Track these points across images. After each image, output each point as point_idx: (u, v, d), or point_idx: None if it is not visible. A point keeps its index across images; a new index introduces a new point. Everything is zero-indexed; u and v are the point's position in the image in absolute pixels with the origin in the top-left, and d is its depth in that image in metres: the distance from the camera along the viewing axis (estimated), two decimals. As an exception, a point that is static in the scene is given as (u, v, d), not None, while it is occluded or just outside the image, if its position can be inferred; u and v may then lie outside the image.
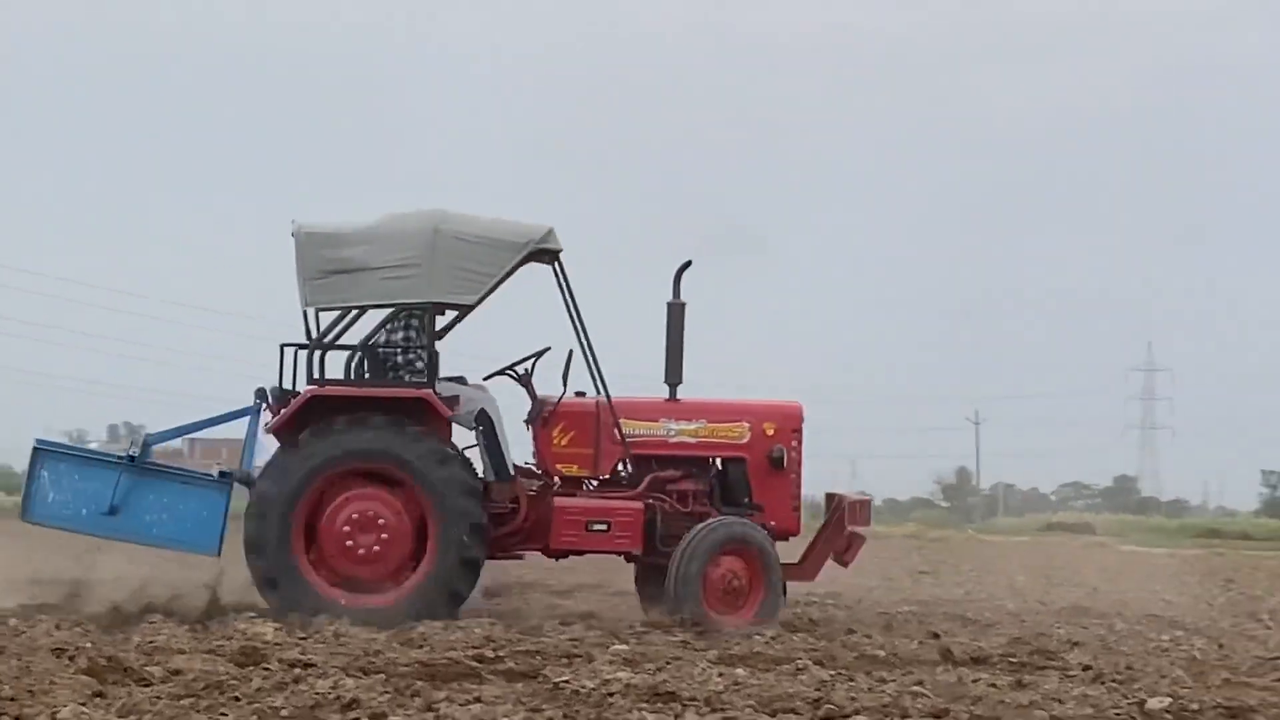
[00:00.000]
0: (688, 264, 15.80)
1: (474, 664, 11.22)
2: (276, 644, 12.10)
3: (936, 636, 14.45)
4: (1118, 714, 9.98)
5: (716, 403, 16.33)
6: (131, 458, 15.07)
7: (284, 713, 9.23)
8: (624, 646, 12.59)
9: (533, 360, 15.73)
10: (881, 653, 13.00)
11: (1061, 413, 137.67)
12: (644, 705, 9.70)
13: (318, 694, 9.67)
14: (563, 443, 15.70)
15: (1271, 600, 21.87)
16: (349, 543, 14.78)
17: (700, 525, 15.13)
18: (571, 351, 15.47)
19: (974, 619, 16.95)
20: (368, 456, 14.89)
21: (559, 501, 15.40)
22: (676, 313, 15.74)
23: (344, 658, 11.38)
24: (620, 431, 15.62)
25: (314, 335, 15.33)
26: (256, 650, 11.58)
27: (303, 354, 15.28)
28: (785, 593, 15.64)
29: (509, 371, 15.88)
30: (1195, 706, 10.23)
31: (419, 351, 15.40)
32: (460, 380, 15.90)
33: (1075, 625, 16.47)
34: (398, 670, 10.82)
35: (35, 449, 15.10)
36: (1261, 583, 26.87)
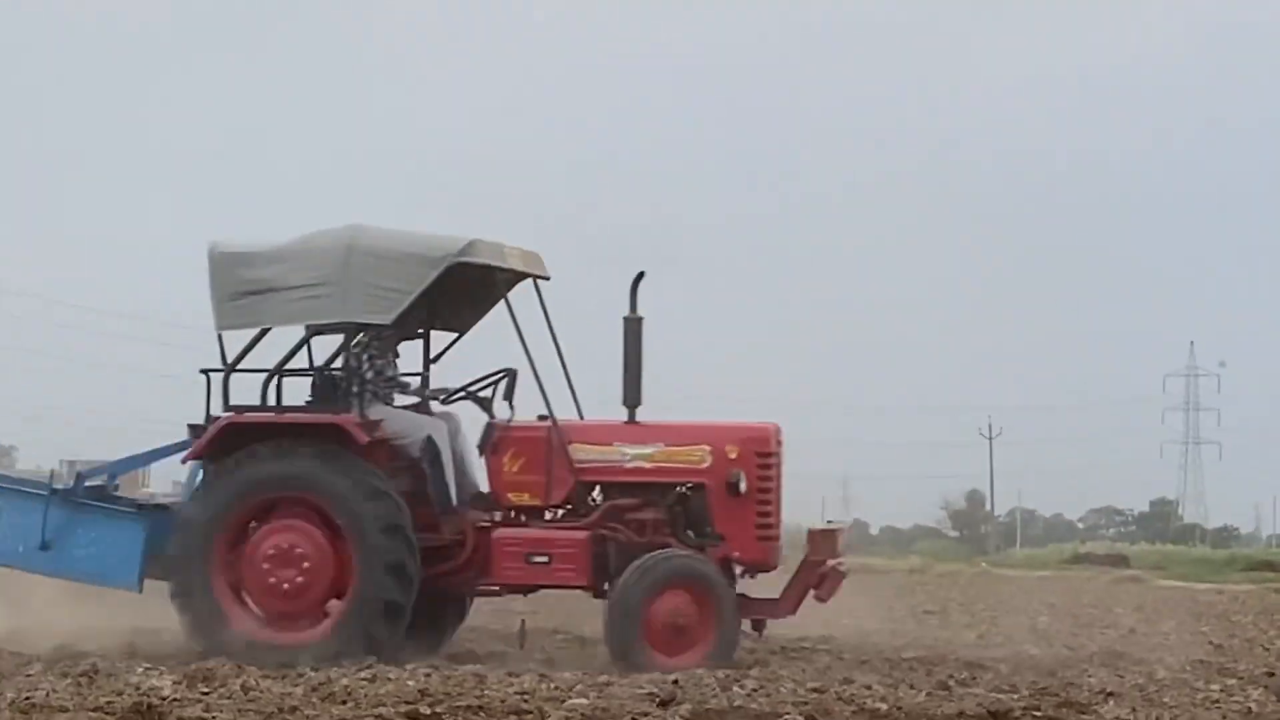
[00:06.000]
0: (641, 275, 16.15)
1: (407, 721, 10.73)
2: (175, 700, 11.50)
3: (947, 688, 14.13)
4: (1161, 776, 9.40)
5: (676, 425, 16.66)
6: (60, 489, 15.89)
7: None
8: (583, 701, 12.11)
9: (495, 383, 16.25)
10: (884, 705, 12.67)
11: (1090, 425, 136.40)
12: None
13: (221, 760, 9.14)
14: (513, 469, 16.08)
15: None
16: (269, 574, 15.31)
17: (643, 558, 15.49)
18: (516, 372, 16.05)
19: (991, 666, 16.60)
20: (287, 486, 15.42)
21: (498, 533, 15.79)
22: (633, 328, 16.06)
23: (255, 716, 10.86)
24: (570, 457, 15.93)
25: (226, 359, 16.05)
26: (152, 708, 11.02)
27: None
28: (763, 631, 16.25)
29: (469, 395, 16.42)
30: (1250, 767, 9.63)
31: (357, 376, 15.85)
32: (424, 405, 16.47)
33: (1110, 673, 16.03)
34: (316, 730, 10.28)
35: None
36: (1322, 623, 26.63)
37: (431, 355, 17.01)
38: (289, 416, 15.72)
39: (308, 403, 16.00)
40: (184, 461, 15.72)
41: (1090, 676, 15.44)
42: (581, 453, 15.90)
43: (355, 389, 15.80)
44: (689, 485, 16.21)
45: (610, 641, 15.45)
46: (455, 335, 17.28)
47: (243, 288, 15.74)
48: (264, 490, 15.40)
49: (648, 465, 16.10)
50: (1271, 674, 16.36)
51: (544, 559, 15.61)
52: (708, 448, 16.16)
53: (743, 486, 15.92)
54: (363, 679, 12.95)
